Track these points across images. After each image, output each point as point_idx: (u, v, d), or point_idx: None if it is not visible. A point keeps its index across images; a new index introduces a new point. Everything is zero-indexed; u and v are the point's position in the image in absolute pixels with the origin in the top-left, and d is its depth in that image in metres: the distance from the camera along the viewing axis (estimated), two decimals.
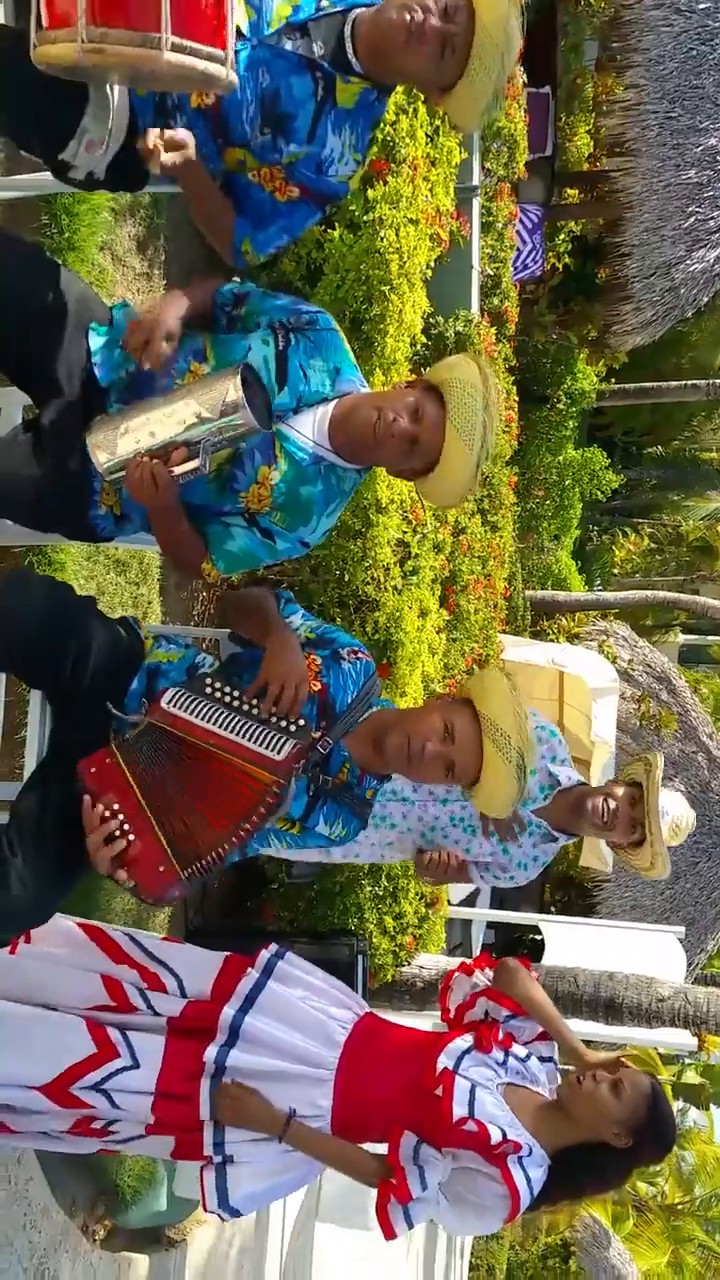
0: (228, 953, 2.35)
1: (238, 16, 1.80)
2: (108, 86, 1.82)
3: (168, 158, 1.75)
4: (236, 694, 1.91)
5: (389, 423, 1.86)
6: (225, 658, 2.07)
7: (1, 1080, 2.15)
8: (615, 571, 17.48)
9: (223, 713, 1.88)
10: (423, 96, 3.99)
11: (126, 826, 1.83)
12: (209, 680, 1.94)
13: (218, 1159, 2.17)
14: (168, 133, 1.75)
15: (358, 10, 1.88)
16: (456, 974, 2.48)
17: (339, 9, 1.87)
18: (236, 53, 1.78)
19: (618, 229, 8.82)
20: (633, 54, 8.12)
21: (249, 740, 1.85)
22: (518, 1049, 2.27)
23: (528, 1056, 2.28)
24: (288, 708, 1.89)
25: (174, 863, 1.83)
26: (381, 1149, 2.20)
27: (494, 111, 1.93)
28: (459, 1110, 2.09)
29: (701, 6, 8.05)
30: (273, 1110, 2.15)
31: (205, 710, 1.88)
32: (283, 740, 1.85)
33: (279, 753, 1.83)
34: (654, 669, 9.62)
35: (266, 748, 1.84)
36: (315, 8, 1.87)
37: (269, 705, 1.89)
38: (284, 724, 1.88)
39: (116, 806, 1.83)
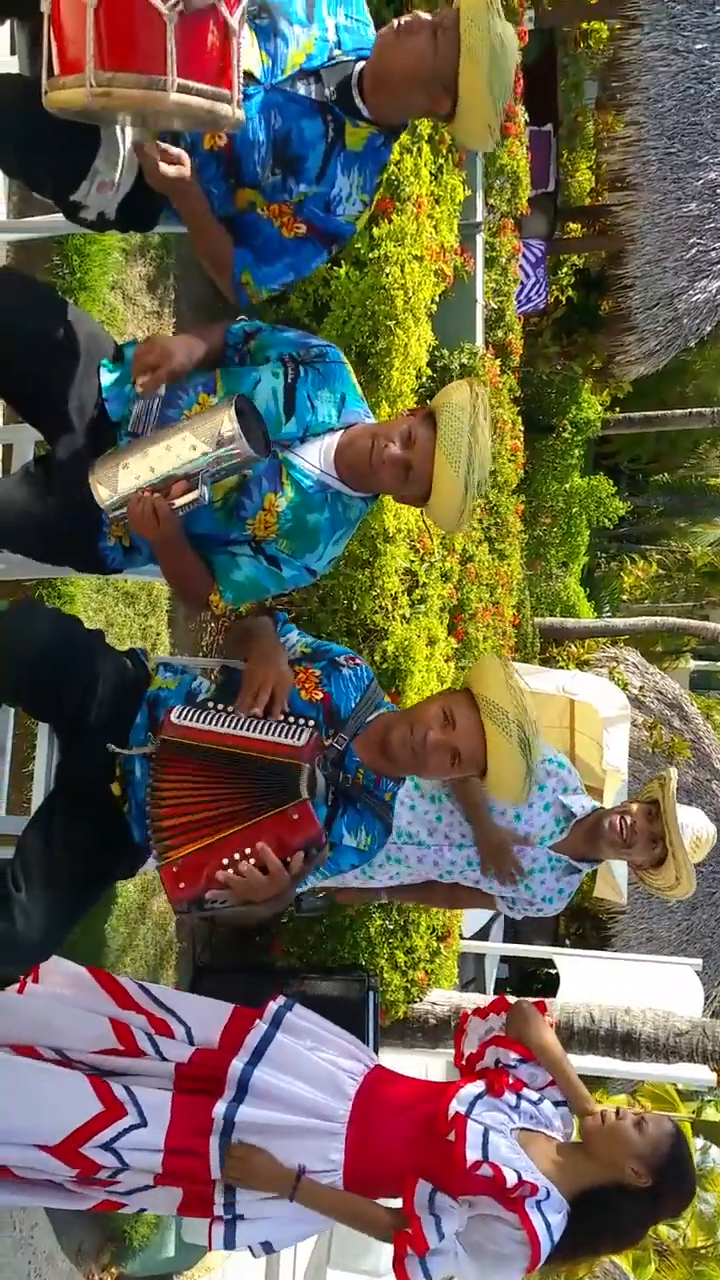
0: (234, 1004, 2.34)
1: (252, 62, 1.85)
2: (118, 129, 1.86)
3: (167, 169, 1.79)
4: (235, 709, 1.91)
5: (381, 449, 1.90)
6: (221, 679, 2.07)
7: (8, 1139, 2.13)
8: (624, 598, 17.49)
9: (228, 719, 1.89)
10: (426, 137, 4.06)
11: (247, 850, 1.76)
12: (209, 702, 1.95)
13: (227, 1217, 2.14)
14: (166, 146, 1.79)
15: (365, 61, 1.93)
16: (471, 1017, 2.46)
17: (350, 57, 1.92)
18: (250, 96, 1.83)
19: (620, 261, 8.90)
20: (632, 93, 8.23)
21: (265, 734, 1.85)
22: (530, 1093, 2.25)
23: (540, 1100, 2.25)
24: (273, 704, 1.89)
25: (290, 801, 1.76)
26: (396, 1203, 2.17)
27: (496, 134, 1.94)
28: (472, 1154, 2.06)
29: (698, 47, 8.18)
30: (281, 1169, 2.11)
31: (214, 719, 1.88)
32: (298, 730, 1.85)
33: (297, 739, 1.83)
34: (665, 695, 9.58)
35: (285, 737, 1.84)
36: (328, 55, 1.92)
37: (248, 702, 1.88)
38: (291, 720, 1.89)
39: (225, 861, 1.76)
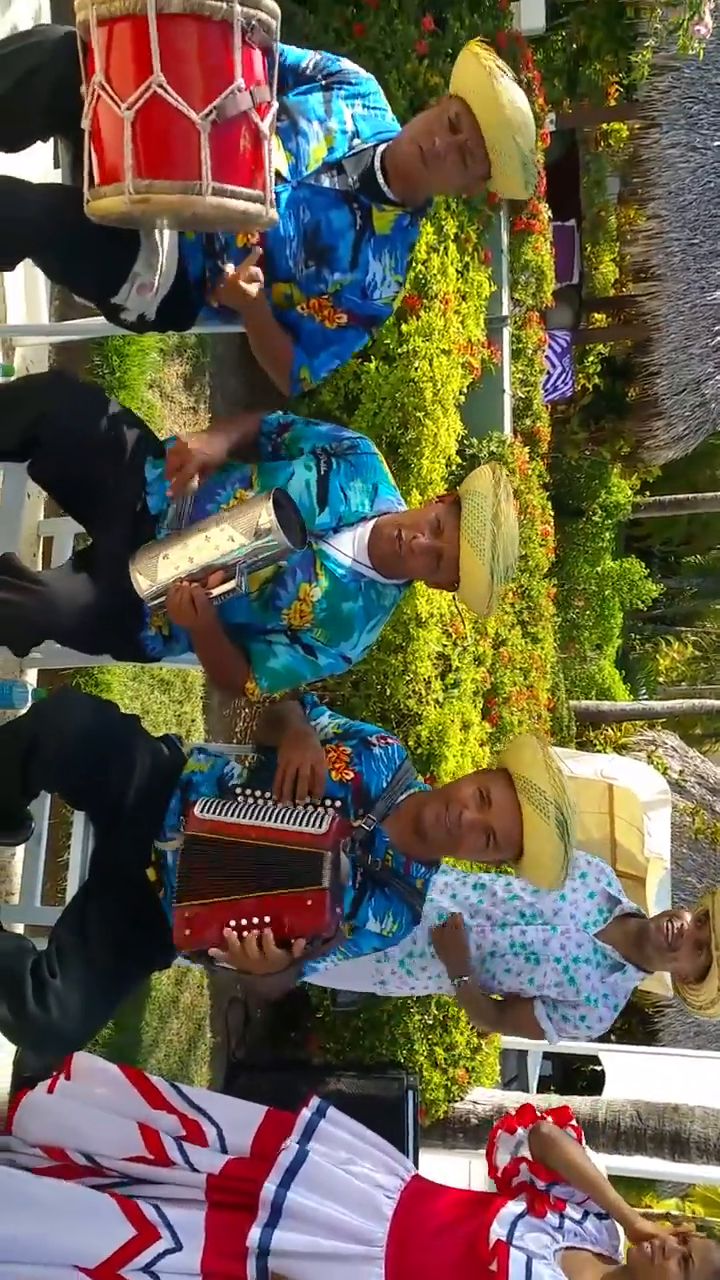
0: (268, 1105, 2.28)
1: (277, 160, 1.93)
2: (157, 233, 1.94)
3: (248, 288, 1.86)
4: (266, 794, 1.91)
5: (410, 540, 1.92)
6: (253, 766, 2.07)
7: (47, 1259, 2.09)
8: (661, 680, 17.33)
9: (256, 809, 1.87)
10: (452, 236, 4.19)
11: (255, 920, 1.75)
12: (238, 788, 1.95)
13: None
14: (252, 268, 1.87)
15: (384, 144, 2.00)
16: (500, 1132, 2.37)
17: (369, 144, 2.00)
18: (277, 194, 1.90)
19: (646, 349, 9.05)
20: (653, 188, 8.46)
21: (287, 824, 1.83)
22: (572, 1210, 2.16)
23: (584, 1216, 2.16)
24: (307, 787, 1.87)
25: (309, 888, 1.74)
26: None
27: (533, 178, 2.00)
28: None
29: (715, 144, 8.43)
30: None
31: (238, 810, 1.87)
32: (321, 816, 1.83)
33: (320, 827, 1.81)
34: (706, 780, 9.40)
35: (307, 825, 1.82)
36: (348, 146, 1.99)
37: (287, 791, 1.87)
38: (316, 808, 1.87)
39: (234, 923, 1.75)
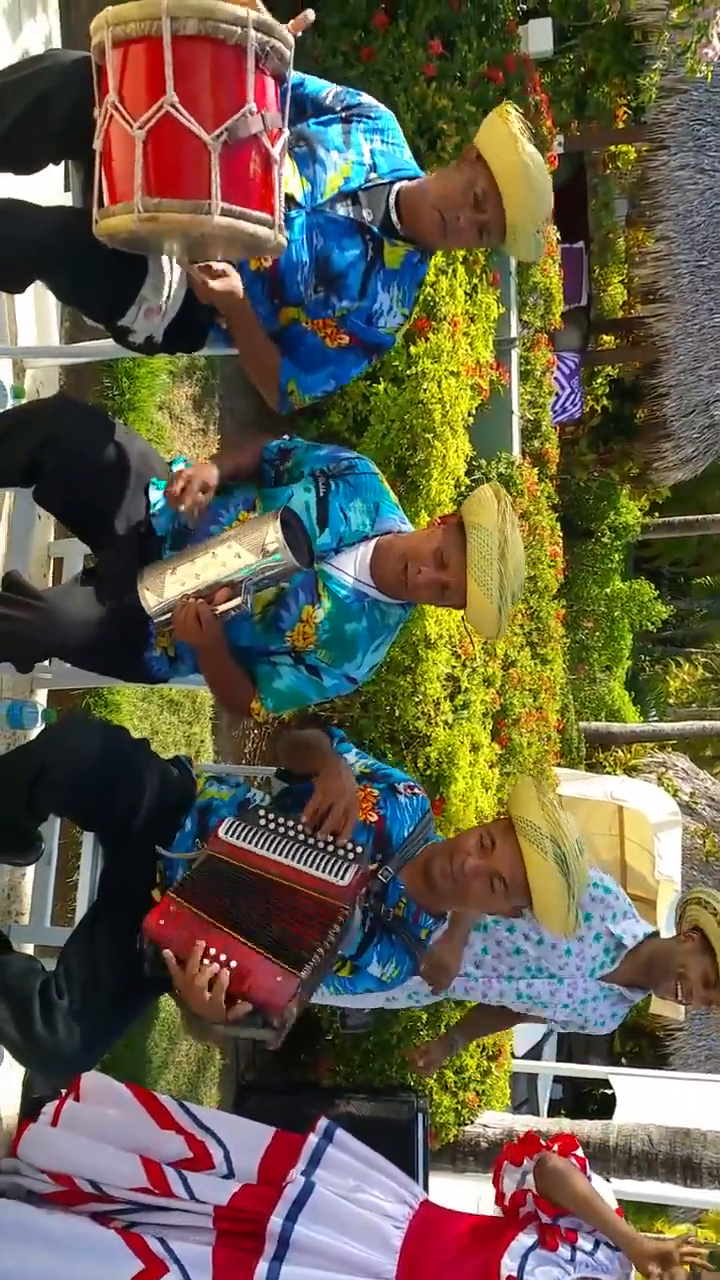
0: (275, 1128, 2.27)
1: (293, 187, 1.95)
2: (164, 258, 1.95)
3: (214, 284, 1.85)
4: (291, 823, 1.90)
5: (415, 574, 1.91)
6: (277, 793, 2.06)
7: None
8: (671, 702, 17.25)
9: (281, 841, 1.86)
10: (460, 258, 4.21)
11: (223, 957, 1.68)
12: (263, 812, 1.94)
13: None
14: (211, 264, 1.86)
15: (401, 183, 2.02)
16: (505, 1163, 2.35)
17: (385, 180, 2.02)
18: (292, 219, 1.92)
19: (655, 371, 9.07)
20: (661, 210, 8.51)
21: (311, 867, 1.82)
22: (584, 1241, 2.13)
23: (596, 1246, 2.13)
24: (339, 825, 1.87)
25: (286, 968, 1.66)
26: None
27: (541, 247, 2.04)
28: None
29: None
30: None
31: (263, 839, 1.86)
32: (345, 866, 1.82)
33: (342, 878, 1.80)
34: (717, 802, 9.36)
35: (330, 873, 1.81)
36: (365, 178, 2.01)
37: (319, 822, 1.87)
38: (342, 851, 1.86)
39: (203, 944, 1.69)
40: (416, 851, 2.02)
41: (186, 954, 1.69)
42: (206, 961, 1.67)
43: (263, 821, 1.90)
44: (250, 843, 1.86)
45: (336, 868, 1.82)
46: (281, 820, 1.90)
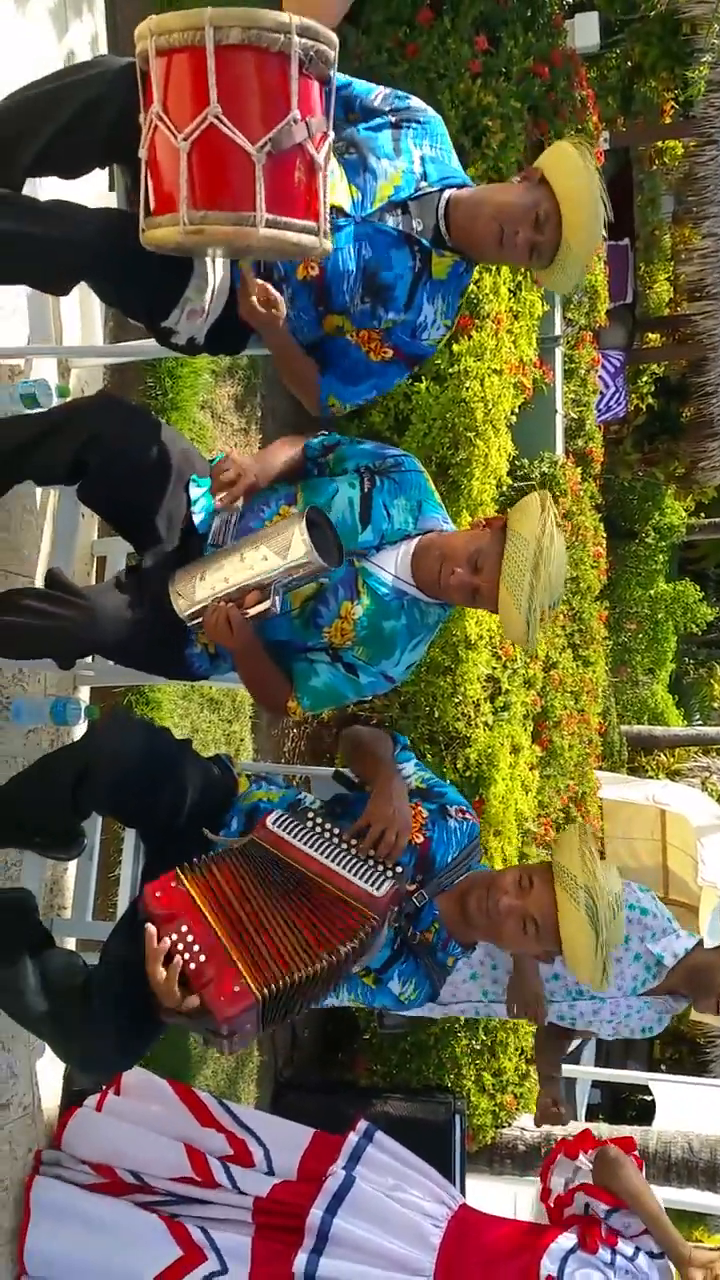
0: (315, 1128, 2.29)
1: (342, 196, 1.95)
2: (209, 260, 1.96)
3: (261, 310, 1.84)
4: (338, 831, 1.90)
5: (449, 574, 1.90)
6: (330, 798, 2.07)
7: (100, 1276, 2.14)
8: (715, 705, 17.05)
9: (325, 843, 1.87)
10: None
11: (196, 947, 1.69)
12: (312, 815, 1.95)
13: None
14: (269, 287, 1.86)
15: (450, 191, 2.01)
16: (560, 1155, 2.34)
17: (435, 188, 2.01)
18: (340, 228, 1.92)
19: (701, 369, 8.98)
20: (708, 205, 8.40)
21: (349, 872, 1.82)
22: (624, 1246, 2.12)
23: (635, 1253, 2.12)
24: (386, 852, 1.88)
25: (249, 983, 1.64)
26: None
27: (578, 280, 2.05)
28: None
29: None
30: None
31: (308, 837, 1.87)
32: (382, 879, 1.82)
33: (378, 889, 1.80)
34: None
35: (366, 882, 1.81)
36: (414, 188, 2.00)
37: (367, 846, 1.87)
38: (382, 866, 1.86)
39: (185, 928, 1.70)
40: (457, 879, 2.02)
41: (168, 930, 1.70)
42: (175, 940, 1.68)
43: (309, 823, 1.91)
44: (294, 836, 1.86)
45: (375, 878, 1.82)
46: (329, 826, 1.91)
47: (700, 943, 2.54)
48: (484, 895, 1.92)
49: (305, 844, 1.86)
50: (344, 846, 1.88)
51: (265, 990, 1.64)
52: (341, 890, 1.79)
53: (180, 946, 1.68)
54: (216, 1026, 1.65)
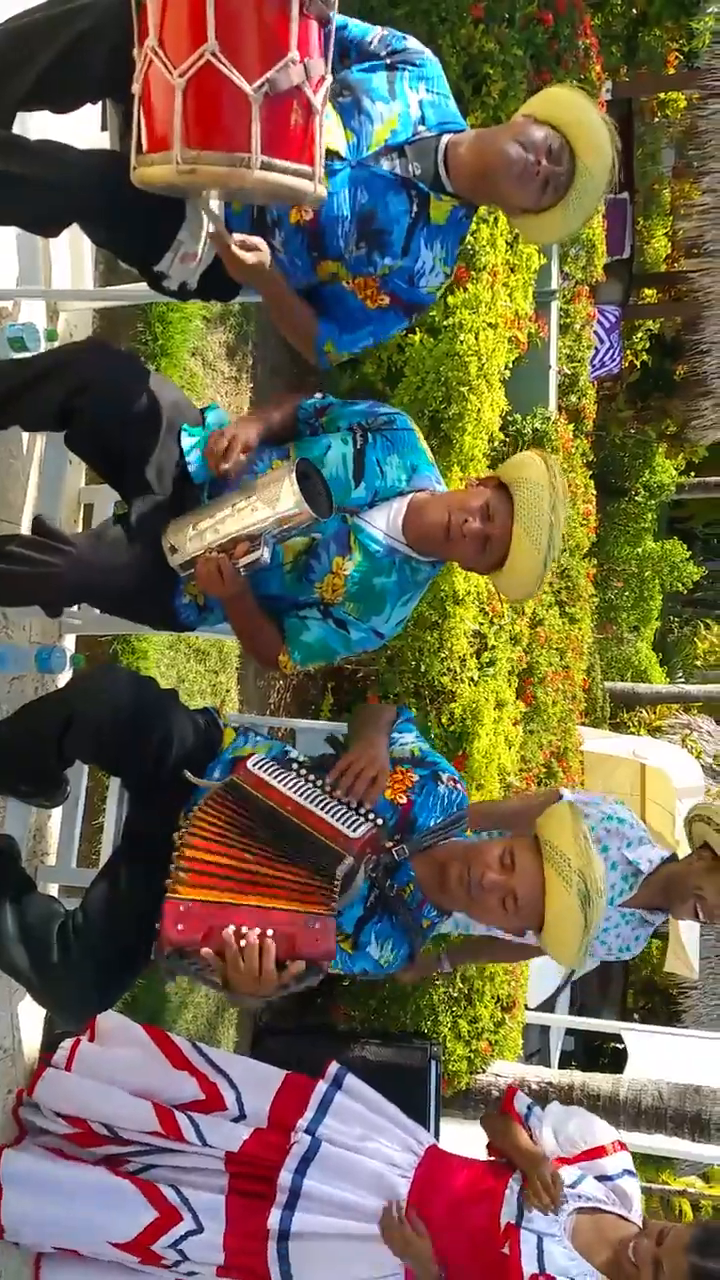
0: (287, 1071, 2.34)
1: (337, 139, 1.90)
2: (202, 204, 1.92)
3: (245, 257, 1.80)
4: (318, 779, 1.92)
5: (460, 524, 1.91)
6: (318, 756, 2.08)
7: (77, 1235, 2.21)
8: (698, 664, 17.16)
9: (304, 786, 1.88)
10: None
11: (258, 930, 1.66)
12: (296, 764, 1.96)
13: None
14: (243, 236, 1.82)
15: (449, 135, 1.97)
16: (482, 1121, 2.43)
17: (433, 133, 1.97)
18: (336, 172, 1.88)
19: (696, 327, 8.93)
20: (709, 160, 8.31)
21: (326, 813, 1.84)
22: (566, 1172, 2.16)
23: (579, 1178, 2.18)
24: (363, 789, 1.89)
25: (315, 912, 1.68)
26: None
27: (591, 211, 2.01)
28: (529, 1267, 2.00)
29: None
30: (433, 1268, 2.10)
31: (287, 780, 1.88)
32: (359, 822, 1.84)
33: (354, 831, 1.82)
34: None
35: (343, 824, 1.83)
36: (412, 131, 1.95)
37: (344, 790, 1.89)
38: (361, 811, 1.88)
39: (230, 930, 1.66)
40: (437, 844, 2.00)
41: (219, 945, 1.67)
42: (244, 944, 1.65)
43: (293, 770, 1.93)
44: (274, 778, 1.87)
45: (351, 821, 1.83)
46: (311, 776, 1.92)
47: (674, 855, 2.58)
48: (465, 869, 1.90)
49: (284, 785, 1.87)
50: (323, 794, 1.89)
51: (334, 901, 1.71)
52: (317, 830, 1.81)
53: (244, 945, 1.66)
54: (324, 967, 1.73)
